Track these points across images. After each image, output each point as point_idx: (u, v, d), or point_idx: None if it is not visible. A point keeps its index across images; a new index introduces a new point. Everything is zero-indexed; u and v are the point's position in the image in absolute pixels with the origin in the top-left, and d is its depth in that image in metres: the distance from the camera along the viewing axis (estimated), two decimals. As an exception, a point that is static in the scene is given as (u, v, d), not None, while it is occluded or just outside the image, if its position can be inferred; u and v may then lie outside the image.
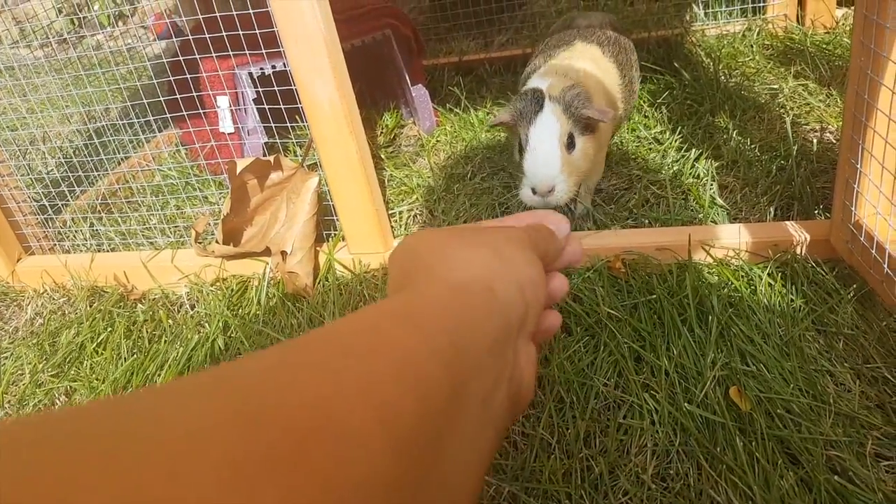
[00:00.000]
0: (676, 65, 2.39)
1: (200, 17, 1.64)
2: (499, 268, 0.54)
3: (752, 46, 2.60)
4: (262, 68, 1.94)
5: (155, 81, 1.72)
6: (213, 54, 1.63)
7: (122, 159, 2.28)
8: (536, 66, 1.84)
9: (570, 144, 1.51)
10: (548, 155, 1.47)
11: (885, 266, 1.27)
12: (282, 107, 1.64)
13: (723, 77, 2.33)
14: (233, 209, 1.67)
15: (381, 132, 2.46)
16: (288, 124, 1.68)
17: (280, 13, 1.44)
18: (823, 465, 1.04)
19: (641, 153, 2.01)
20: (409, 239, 0.60)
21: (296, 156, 2.24)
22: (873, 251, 1.31)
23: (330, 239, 1.77)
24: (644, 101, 2.30)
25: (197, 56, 1.72)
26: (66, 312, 1.81)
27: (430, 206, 1.96)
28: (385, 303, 0.47)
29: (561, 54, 1.81)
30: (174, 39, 2.00)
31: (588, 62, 1.76)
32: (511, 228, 0.65)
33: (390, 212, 1.92)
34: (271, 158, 1.63)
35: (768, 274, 1.44)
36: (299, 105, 1.55)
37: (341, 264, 1.71)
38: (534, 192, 1.49)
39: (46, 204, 2.02)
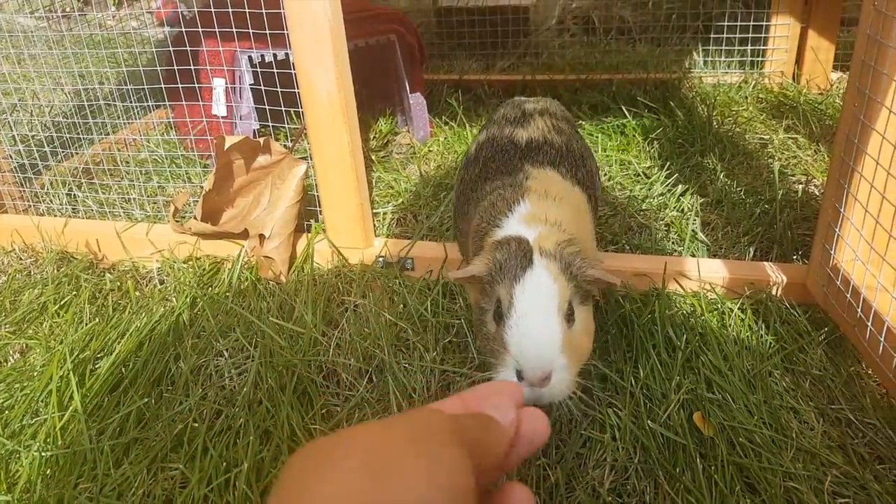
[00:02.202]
0: (672, 104, 2.42)
1: (208, -8, 1.64)
2: (367, 498, 0.38)
3: (746, 97, 2.65)
4: (262, 54, 1.93)
5: (154, 50, 1.71)
6: (217, 29, 1.62)
7: (110, 131, 2.25)
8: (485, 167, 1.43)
9: (569, 316, 1.07)
10: (545, 326, 1.02)
11: (859, 310, 1.28)
12: (278, 90, 1.63)
13: (715, 123, 2.37)
14: (215, 187, 1.65)
15: (374, 136, 2.46)
16: (283, 108, 1.67)
17: (288, -5, 1.44)
18: (781, 496, 1.03)
19: (628, 183, 2.03)
20: (285, 469, 0.44)
21: (286, 143, 2.23)
22: (848, 295, 1.32)
23: (310, 231, 1.76)
24: (637, 135, 2.33)
25: (200, 30, 1.71)
26: (32, 273, 1.77)
27: (415, 210, 1.95)
28: None
29: (528, 185, 1.30)
30: (180, 28, 1.99)
31: (563, 202, 1.28)
32: (426, 414, 0.47)
33: (374, 211, 1.92)
34: (261, 140, 1.62)
35: (740, 309, 1.45)
36: (297, 91, 1.55)
37: (334, 246, 1.68)
38: (520, 377, 1.00)
39: (27, 163, 1.98)
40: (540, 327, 1.01)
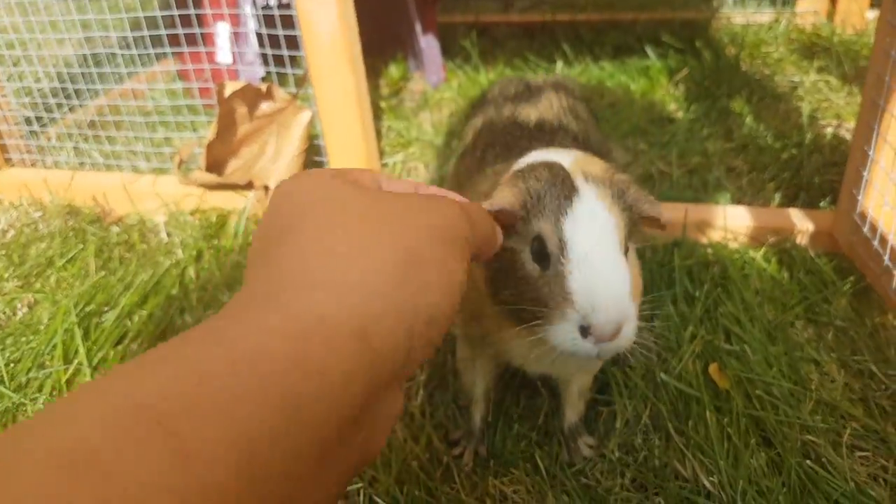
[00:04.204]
0: (698, 44, 2.31)
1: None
2: (397, 293, 0.38)
3: (777, 38, 2.52)
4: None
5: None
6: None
7: (115, 83, 2.21)
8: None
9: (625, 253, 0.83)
10: (615, 270, 0.78)
11: (886, 258, 1.21)
12: (280, 33, 1.57)
13: (743, 64, 2.26)
14: (219, 136, 1.61)
15: (385, 83, 2.39)
16: (286, 52, 1.61)
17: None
18: (797, 450, 0.98)
19: (651, 128, 1.95)
20: (290, 185, 0.43)
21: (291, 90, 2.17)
22: (875, 242, 1.25)
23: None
24: (662, 77, 2.23)
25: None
26: (40, 227, 1.75)
27: (426, 160, 1.90)
28: (148, 377, 0.31)
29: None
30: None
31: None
32: (442, 203, 0.49)
33: (384, 162, 1.86)
34: (264, 86, 1.56)
35: (763, 258, 1.38)
36: (298, 33, 1.49)
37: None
38: (584, 333, 0.75)
39: (34, 116, 1.96)
40: (610, 272, 0.77)
